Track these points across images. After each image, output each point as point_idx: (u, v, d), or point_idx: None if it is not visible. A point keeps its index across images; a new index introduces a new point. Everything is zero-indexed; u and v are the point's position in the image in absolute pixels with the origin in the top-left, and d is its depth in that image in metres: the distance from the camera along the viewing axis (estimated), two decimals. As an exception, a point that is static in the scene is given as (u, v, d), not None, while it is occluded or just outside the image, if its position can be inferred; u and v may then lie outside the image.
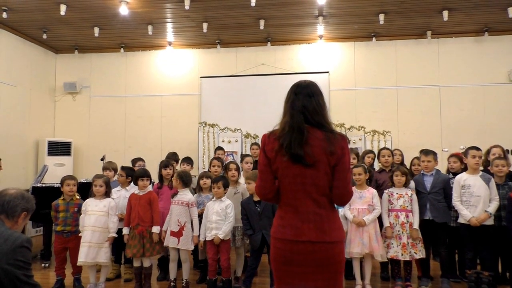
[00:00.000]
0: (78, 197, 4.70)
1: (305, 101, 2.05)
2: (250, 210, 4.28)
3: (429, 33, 7.96)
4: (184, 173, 4.54)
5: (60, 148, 8.53)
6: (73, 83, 8.99)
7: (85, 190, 4.86)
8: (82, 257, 4.25)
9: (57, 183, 5.53)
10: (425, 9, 7.02)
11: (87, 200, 4.49)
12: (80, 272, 4.56)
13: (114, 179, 5.25)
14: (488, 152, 4.96)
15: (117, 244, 4.72)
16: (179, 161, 5.79)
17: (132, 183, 4.87)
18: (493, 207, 4.21)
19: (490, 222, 4.23)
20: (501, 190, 4.34)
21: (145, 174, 4.52)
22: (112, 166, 5.35)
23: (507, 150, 5.71)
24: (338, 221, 2.06)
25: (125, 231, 4.41)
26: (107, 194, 4.49)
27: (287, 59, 8.42)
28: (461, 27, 7.77)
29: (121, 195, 4.84)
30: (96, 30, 7.81)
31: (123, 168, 5.07)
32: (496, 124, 7.75)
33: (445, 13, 7.01)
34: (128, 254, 4.40)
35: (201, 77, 8.63)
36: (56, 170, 8.14)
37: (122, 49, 8.88)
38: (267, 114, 7.43)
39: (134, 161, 5.76)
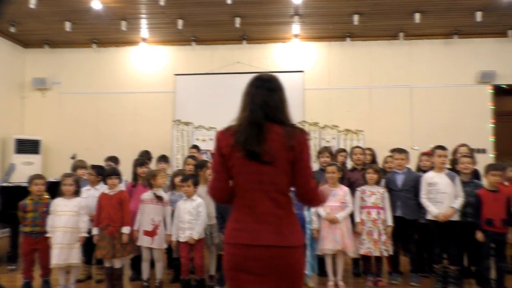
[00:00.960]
0: (47, 196, 4.58)
1: (266, 96, 1.93)
2: (225, 209, 4.26)
3: (401, 34, 8.15)
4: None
5: (28, 146, 8.29)
6: (42, 79, 8.75)
7: (55, 189, 4.74)
8: (55, 259, 4.12)
9: (25, 183, 5.38)
10: (398, 11, 7.18)
11: (55, 199, 4.35)
12: (49, 274, 4.45)
13: (85, 177, 5.15)
14: (455, 151, 5.13)
15: (88, 245, 4.63)
16: (153, 160, 5.72)
17: (102, 182, 4.79)
18: (458, 203, 4.36)
19: (456, 218, 4.38)
20: (466, 188, 4.50)
21: (114, 173, 4.43)
22: (83, 165, 5.24)
23: (474, 149, 5.91)
24: (297, 224, 1.94)
25: (95, 231, 4.32)
26: (77, 193, 4.38)
27: (263, 57, 8.44)
28: (432, 30, 7.98)
29: (90, 194, 4.69)
30: (68, 25, 7.62)
31: (93, 166, 4.98)
32: (464, 124, 8.01)
33: (417, 16, 7.19)
34: (98, 256, 4.31)
35: (175, 75, 8.55)
36: (25, 169, 7.89)
37: (94, 44, 8.70)
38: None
39: (106, 160, 5.67)
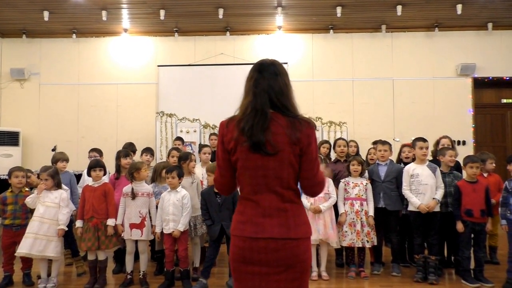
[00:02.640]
0: (27, 189, 4.50)
1: (271, 81, 1.86)
2: (211, 201, 4.26)
3: (383, 27, 8.20)
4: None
5: (7, 138, 8.10)
6: (21, 70, 8.54)
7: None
8: (24, 248, 4.02)
9: (4, 175, 5.26)
10: (380, 3, 7.22)
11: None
12: (31, 267, 4.38)
13: (66, 170, 5.08)
14: (437, 142, 5.21)
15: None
16: (137, 152, 5.68)
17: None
18: (439, 194, 4.44)
19: (437, 208, 4.46)
20: (446, 178, 4.59)
21: (98, 165, 4.38)
22: (64, 157, 5.15)
23: (454, 141, 6.02)
24: (305, 216, 1.89)
25: (79, 224, 4.27)
26: (58, 185, 4.31)
27: (246, 49, 8.40)
28: (414, 22, 8.06)
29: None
30: (46, 14, 7.43)
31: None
32: (444, 116, 8.15)
33: (399, 8, 7.25)
34: (83, 248, 4.26)
35: (158, 66, 8.45)
36: (3, 161, 7.73)
37: (74, 34, 8.51)
38: (226, 104, 7.39)
39: (89, 152, 5.58)
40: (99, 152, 5.56)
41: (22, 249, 4.04)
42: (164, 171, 4.61)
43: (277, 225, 1.81)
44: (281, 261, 1.80)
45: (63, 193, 4.30)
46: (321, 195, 4.51)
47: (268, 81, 1.86)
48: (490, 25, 8.06)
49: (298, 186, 1.92)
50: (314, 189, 1.92)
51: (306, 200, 4.47)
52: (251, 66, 1.99)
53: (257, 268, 1.81)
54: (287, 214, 1.82)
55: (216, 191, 4.27)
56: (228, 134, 1.88)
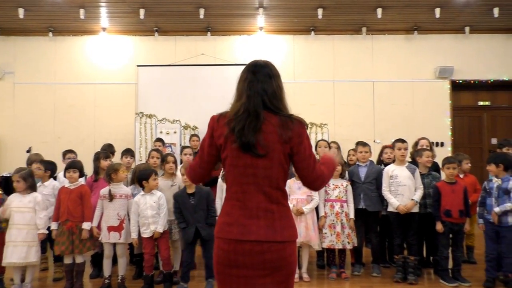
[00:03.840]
0: (0, 192, 4.38)
1: (264, 84, 1.87)
2: (184, 203, 4.19)
3: (364, 29, 8.29)
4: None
5: (-21, 139, 7.85)
6: (-6, 68, 8.30)
7: (9, 184, 4.52)
8: (8, 258, 3.93)
9: (-24, 178, 5.09)
10: (361, 6, 7.30)
11: (11, 195, 4.17)
12: (3, 273, 4.25)
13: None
14: (416, 144, 5.28)
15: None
16: (116, 153, 5.59)
17: (52, 179, 4.66)
18: (418, 195, 4.50)
19: (416, 209, 4.52)
20: (425, 180, 4.66)
21: (72, 166, 4.29)
22: (39, 159, 5.02)
23: (433, 142, 6.13)
24: (291, 219, 1.89)
25: (54, 226, 4.17)
26: (32, 188, 4.19)
27: (227, 49, 8.37)
28: (393, 25, 8.17)
29: (40, 191, 4.48)
30: (21, 12, 7.24)
31: (41, 161, 4.77)
32: (423, 118, 8.28)
33: (379, 11, 7.34)
34: (56, 251, 4.17)
35: (138, 66, 8.33)
36: (-25, 163, 7.49)
37: (51, 33, 8.32)
38: (207, 105, 7.34)
39: (65, 153, 5.45)
40: (74, 153, 5.43)
41: (6, 259, 3.94)
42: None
43: (264, 227, 1.80)
44: (267, 264, 1.79)
45: (38, 196, 4.17)
46: (303, 197, 4.53)
47: (262, 84, 1.87)
48: (467, 29, 8.24)
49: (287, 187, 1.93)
50: (315, 184, 1.94)
51: (288, 202, 4.47)
52: (234, 66, 2.01)
53: (242, 271, 1.80)
54: (273, 216, 1.82)
55: (190, 192, 4.20)
56: (218, 129, 1.87)
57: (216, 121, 1.89)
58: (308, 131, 7.93)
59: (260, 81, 1.87)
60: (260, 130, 1.80)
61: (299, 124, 1.87)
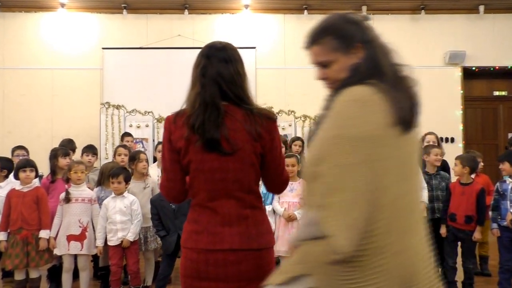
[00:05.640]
0: None
1: (220, 68, 1.86)
2: (163, 208, 4.20)
3: (364, 8, 8.35)
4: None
5: None
6: None
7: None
8: None
9: None
10: (361, -19, 7.35)
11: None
12: None
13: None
14: (422, 139, 5.35)
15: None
16: (78, 150, 5.58)
17: (9, 178, 4.59)
18: (424, 195, 4.51)
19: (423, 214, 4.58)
20: (433, 180, 4.70)
21: (28, 163, 4.24)
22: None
23: (442, 138, 6.20)
24: (267, 224, 1.94)
25: (2, 237, 4.10)
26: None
27: (207, 30, 8.35)
28: (398, 4, 8.25)
29: None
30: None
31: None
32: (430, 110, 8.35)
33: (382, -13, 7.40)
34: (8, 266, 4.11)
35: (103, 48, 8.26)
36: None
37: (-2, 8, 8.20)
38: (184, 94, 7.32)
39: (13, 150, 5.39)
40: (25, 150, 5.38)
41: None
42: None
43: (237, 234, 1.82)
44: (243, 275, 1.81)
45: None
46: (296, 200, 4.55)
47: (216, 68, 1.86)
48: (481, 8, 8.32)
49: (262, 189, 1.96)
50: (281, 189, 2.07)
51: (279, 206, 4.50)
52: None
53: (214, 284, 1.81)
54: (247, 222, 1.84)
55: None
56: (176, 132, 1.86)
57: (172, 122, 1.88)
58: (300, 125, 8.04)
59: (214, 66, 1.87)
60: (223, 124, 1.80)
61: (269, 119, 1.89)
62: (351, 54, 1.52)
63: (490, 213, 4.52)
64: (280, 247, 4.47)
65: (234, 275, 1.80)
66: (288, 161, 4.65)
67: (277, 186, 2.02)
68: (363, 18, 1.56)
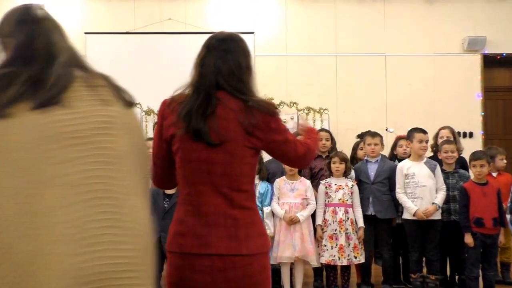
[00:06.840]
0: None
1: (218, 60, 1.89)
2: (155, 203, 4.19)
3: (375, -10, 8.31)
4: None
5: None
6: None
7: None
8: None
9: None
10: (371, -40, 7.31)
11: None
12: None
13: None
14: (437, 135, 5.33)
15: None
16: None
17: None
18: (440, 198, 4.53)
19: (437, 216, 4.56)
20: (450, 179, 4.70)
21: None
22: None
23: (459, 132, 6.17)
24: (260, 226, 1.92)
25: None
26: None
27: (201, 14, 8.30)
28: (412, -16, 8.20)
29: None
30: None
31: None
32: (447, 101, 8.35)
33: (394, -34, 7.36)
34: None
35: (85, 33, 8.21)
36: None
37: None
38: (175, 84, 7.29)
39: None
40: None
41: None
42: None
43: (225, 238, 1.80)
44: (231, 284, 1.79)
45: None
46: (298, 200, 4.54)
47: (215, 60, 1.90)
48: (503, -10, 8.31)
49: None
50: (305, 161, 2.08)
51: (279, 208, 4.49)
52: (209, 35, 2.04)
53: None
54: (237, 223, 1.82)
55: (168, 193, 4.21)
56: (169, 117, 1.91)
57: (167, 106, 1.94)
58: (304, 118, 8.00)
59: (213, 58, 1.91)
60: (213, 115, 1.82)
61: (267, 108, 1.89)
62: None
63: (508, 216, 4.49)
64: (282, 253, 4.47)
65: (222, 283, 1.79)
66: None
67: (298, 160, 2.05)
68: None
